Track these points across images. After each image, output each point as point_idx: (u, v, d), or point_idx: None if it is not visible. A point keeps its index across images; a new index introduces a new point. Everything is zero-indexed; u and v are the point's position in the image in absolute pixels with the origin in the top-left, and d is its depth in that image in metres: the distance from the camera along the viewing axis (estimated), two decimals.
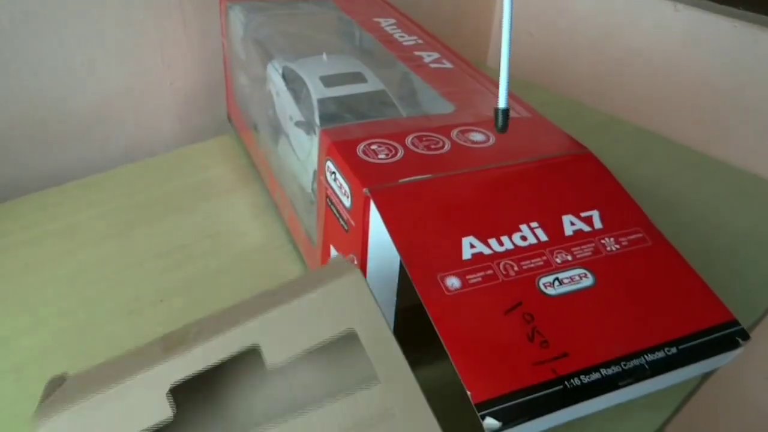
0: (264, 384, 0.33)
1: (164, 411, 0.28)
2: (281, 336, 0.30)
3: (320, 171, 0.45)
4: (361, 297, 0.31)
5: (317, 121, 0.47)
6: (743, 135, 0.77)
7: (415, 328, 0.38)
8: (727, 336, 0.36)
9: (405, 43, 0.58)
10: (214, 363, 0.29)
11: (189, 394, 0.32)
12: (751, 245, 0.58)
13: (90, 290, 0.50)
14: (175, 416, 0.28)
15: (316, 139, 0.46)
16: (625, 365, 0.34)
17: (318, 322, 0.30)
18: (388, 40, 0.59)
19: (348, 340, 0.32)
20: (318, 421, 0.29)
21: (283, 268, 0.52)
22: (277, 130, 0.56)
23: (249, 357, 0.32)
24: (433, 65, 0.55)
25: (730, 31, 0.76)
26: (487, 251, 0.37)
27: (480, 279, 0.36)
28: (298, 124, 0.51)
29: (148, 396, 0.28)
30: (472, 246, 0.37)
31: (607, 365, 0.33)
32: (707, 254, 0.56)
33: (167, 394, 0.28)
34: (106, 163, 0.67)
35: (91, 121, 0.66)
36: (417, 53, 0.56)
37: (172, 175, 0.64)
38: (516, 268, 0.37)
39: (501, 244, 0.38)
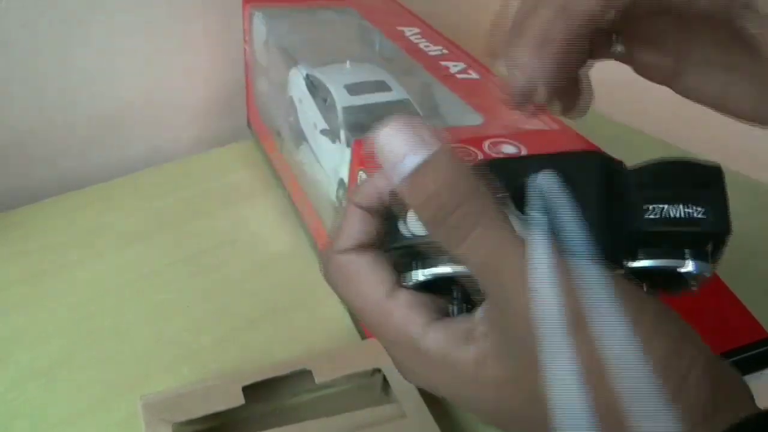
0: None
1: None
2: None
3: (351, 180, 0.45)
4: None
5: (343, 129, 0.47)
6: (762, 147, 0.77)
7: None
8: (762, 354, 0.36)
9: (430, 53, 0.58)
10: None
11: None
12: None
13: (113, 295, 0.50)
14: None
15: (341, 147, 0.46)
16: None
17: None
18: (413, 49, 0.59)
19: None
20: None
21: (308, 275, 0.52)
22: (298, 137, 0.56)
23: None
24: (459, 75, 0.55)
25: None
26: None
27: None
28: (323, 132, 0.51)
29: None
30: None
31: None
32: (734, 270, 0.56)
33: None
34: (126, 167, 0.67)
35: (111, 126, 0.66)
36: (443, 63, 0.57)
37: (192, 180, 0.64)
38: None
39: None
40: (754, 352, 0.36)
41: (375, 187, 0.23)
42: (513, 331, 0.19)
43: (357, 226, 0.23)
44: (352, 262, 0.23)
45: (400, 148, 0.19)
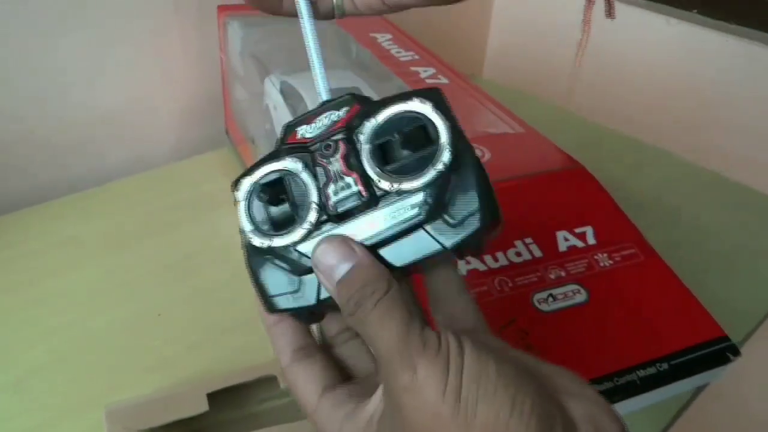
0: None
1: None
2: None
3: None
4: None
5: None
6: (736, 147, 0.78)
7: None
8: (718, 351, 0.36)
9: (401, 59, 0.59)
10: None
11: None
12: (745, 257, 0.58)
13: (92, 303, 0.50)
14: None
15: None
16: (617, 381, 0.34)
17: None
18: (385, 56, 0.59)
19: None
20: None
21: None
22: (274, 144, 0.57)
23: None
24: (429, 80, 0.55)
25: (722, 45, 0.77)
26: (482, 267, 0.38)
27: (475, 295, 0.36)
28: None
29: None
30: (467, 262, 0.38)
31: (599, 381, 0.34)
32: (701, 266, 0.57)
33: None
34: (106, 176, 0.67)
35: (90, 135, 0.67)
36: (413, 68, 0.57)
37: (170, 188, 0.64)
38: (510, 284, 0.37)
39: (496, 260, 0.38)
40: (710, 349, 0.36)
41: None
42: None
43: (281, 343, 0.26)
44: (290, 376, 0.26)
45: (334, 259, 0.22)
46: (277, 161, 0.24)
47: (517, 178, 0.43)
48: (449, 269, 0.27)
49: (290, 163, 0.23)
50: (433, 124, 0.23)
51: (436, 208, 0.22)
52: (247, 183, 0.24)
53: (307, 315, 0.24)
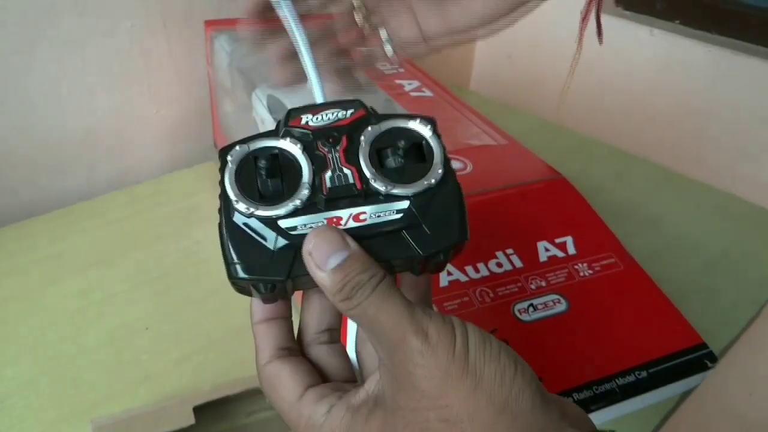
0: None
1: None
2: None
3: None
4: None
5: None
6: (718, 156, 0.79)
7: None
8: (696, 359, 0.37)
9: (386, 71, 0.60)
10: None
11: None
12: (727, 264, 0.59)
13: (73, 320, 0.50)
14: None
15: None
16: (597, 389, 0.35)
17: None
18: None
19: None
20: None
21: None
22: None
23: None
24: (413, 93, 0.56)
25: (705, 55, 0.78)
26: (463, 278, 0.38)
27: (456, 306, 0.37)
28: None
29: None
30: (449, 273, 0.38)
31: (579, 389, 0.34)
32: (684, 274, 0.57)
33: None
34: (93, 191, 0.68)
35: (77, 150, 0.67)
36: (398, 81, 0.58)
37: (159, 202, 0.65)
38: (492, 295, 0.38)
39: (477, 271, 0.39)
40: (688, 357, 0.37)
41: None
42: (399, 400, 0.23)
43: (266, 341, 0.27)
44: (271, 372, 0.26)
45: (329, 247, 0.23)
46: (276, 140, 0.25)
47: (499, 189, 0.44)
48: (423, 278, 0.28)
49: (290, 144, 0.25)
50: (429, 144, 0.25)
51: (418, 217, 0.24)
52: (241, 150, 0.25)
53: (268, 290, 0.25)
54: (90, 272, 0.55)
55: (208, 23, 0.67)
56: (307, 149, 0.24)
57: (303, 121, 0.25)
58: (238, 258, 0.24)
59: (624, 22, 0.84)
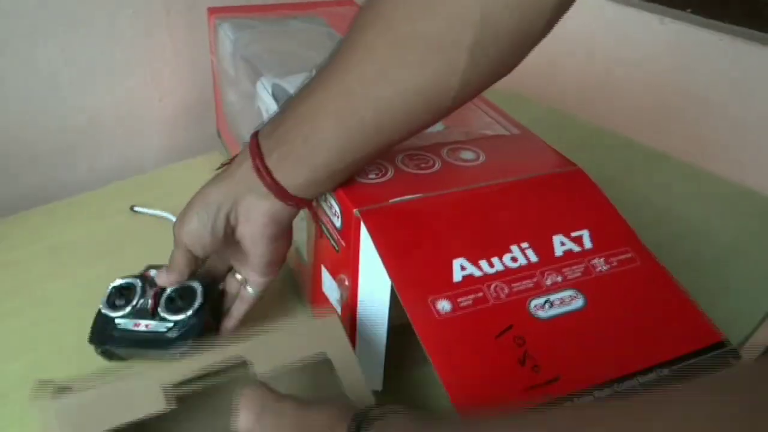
0: None
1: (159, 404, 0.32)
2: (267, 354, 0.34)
3: None
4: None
5: None
6: (731, 147, 0.78)
7: (411, 344, 0.37)
8: (718, 357, 0.36)
9: None
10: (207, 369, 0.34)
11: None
12: (741, 258, 0.58)
13: (76, 313, 0.49)
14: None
15: None
16: (617, 388, 0.34)
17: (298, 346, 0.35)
18: None
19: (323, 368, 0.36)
20: None
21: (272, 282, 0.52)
22: None
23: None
24: None
25: (716, 44, 0.76)
26: (477, 273, 0.37)
27: (471, 302, 0.36)
28: None
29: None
30: (462, 268, 0.37)
31: (600, 388, 0.33)
32: (698, 267, 0.56)
33: (163, 388, 0.32)
34: (95, 180, 0.67)
35: (78, 139, 0.66)
36: None
37: (160, 192, 0.64)
38: (506, 290, 0.37)
39: (491, 265, 0.38)
40: (711, 354, 0.36)
41: None
42: None
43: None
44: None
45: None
46: (132, 278, 0.46)
47: (513, 180, 0.43)
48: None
49: (136, 282, 0.45)
50: (195, 292, 0.44)
51: (175, 330, 0.43)
52: (113, 284, 0.46)
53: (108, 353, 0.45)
54: (93, 264, 0.54)
55: (212, 11, 0.66)
56: (143, 288, 0.45)
57: (151, 274, 0.45)
58: (95, 334, 0.44)
59: (635, 11, 0.83)
